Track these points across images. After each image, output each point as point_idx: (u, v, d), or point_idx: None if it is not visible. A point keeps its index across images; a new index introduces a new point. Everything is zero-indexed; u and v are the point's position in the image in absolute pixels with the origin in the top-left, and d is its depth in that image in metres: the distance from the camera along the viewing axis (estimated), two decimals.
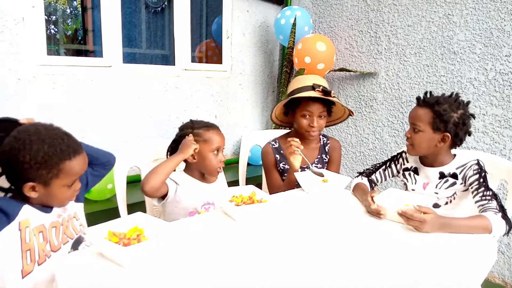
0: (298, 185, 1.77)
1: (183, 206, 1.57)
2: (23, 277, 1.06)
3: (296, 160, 1.72)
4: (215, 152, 1.58)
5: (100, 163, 1.37)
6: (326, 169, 1.95)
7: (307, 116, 1.83)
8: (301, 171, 1.77)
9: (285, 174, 1.88)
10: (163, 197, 1.53)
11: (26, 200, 1.10)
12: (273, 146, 1.95)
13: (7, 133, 1.07)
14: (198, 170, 1.63)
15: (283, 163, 1.92)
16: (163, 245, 1.09)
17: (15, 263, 1.05)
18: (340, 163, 2.05)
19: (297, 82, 1.89)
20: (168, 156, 1.64)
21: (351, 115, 1.93)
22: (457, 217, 1.36)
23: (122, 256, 0.98)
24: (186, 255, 1.07)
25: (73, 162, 1.09)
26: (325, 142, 1.99)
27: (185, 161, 1.59)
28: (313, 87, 1.79)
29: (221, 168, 1.63)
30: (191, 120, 1.65)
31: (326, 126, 2.00)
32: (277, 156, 1.93)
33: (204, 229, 1.27)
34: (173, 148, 1.62)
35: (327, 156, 1.98)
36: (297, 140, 1.70)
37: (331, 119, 1.99)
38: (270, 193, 1.93)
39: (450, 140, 1.47)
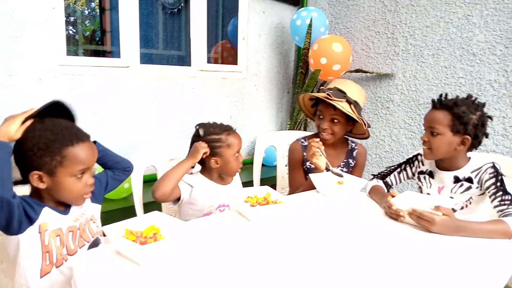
0: None
1: (198, 207, 1.57)
2: (41, 277, 1.08)
3: (320, 161, 1.71)
4: (236, 154, 1.60)
5: (121, 167, 1.37)
6: (350, 173, 1.92)
7: (320, 117, 1.83)
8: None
9: (310, 174, 1.87)
10: (178, 199, 1.54)
11: (44, 198, 1.12)
12: (302, 144, 1.93)
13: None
14: (218, 172, 1.63)
15: (310, 162, 1.88)
16: (179, 244, 1.10)
17: (35, 262, 1.07)
18: (364, 169, 2.01)
19: (330, 84, 1.91)
20: None
21: (366, 127, 1.83)
22: (475, 221, 1.34)
23: (139, 255, 0.99)
24: (201, 255, 1.08)
25: (76, 148, 1.07)
26: (352, 147, 1.96)
27: (202, 163, 1.60)
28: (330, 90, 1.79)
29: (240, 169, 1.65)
30: (202, 124, 1.64)
31: (348, 136, 1.96)
32: (305, 154, 1.90)
33: (219, 229, 1.27)
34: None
35: (354, 161, 1.95)
36: (317, 140, 1.69)
37: (357, 132, 1.93)
38: (291, 190, 1.93)
39: (469, 142, 1.45)
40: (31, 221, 1.05)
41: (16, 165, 1.10)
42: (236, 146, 1.58)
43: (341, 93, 1.78)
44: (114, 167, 1.36)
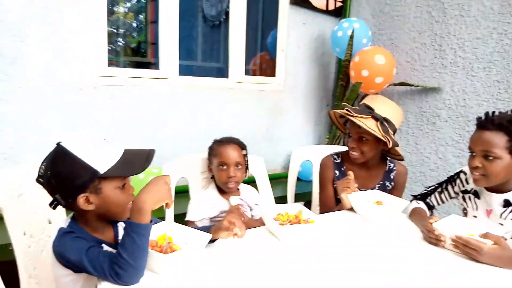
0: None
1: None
2: None
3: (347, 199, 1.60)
4: (222, 166, 1.59)
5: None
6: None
7: (350, 135, 1.70)
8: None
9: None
10: None
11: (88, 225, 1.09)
12: (335, 161, 1.81)
13: None
14: (217, 182, 1.67)
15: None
16: (203, 257, 1.09)
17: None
18: (405, 189, 1.84)
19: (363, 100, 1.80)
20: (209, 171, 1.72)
21: (391, 145, 1.63)
22: None
23: (162, 264, 0.99)
24: (225, 270, 1.04)
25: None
26: (390, 168, 1.79)
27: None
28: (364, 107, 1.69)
29: (232, 184, 1.60)
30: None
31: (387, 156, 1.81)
32: (336, 172, 1.79)
33: (247, 246, 1.22)
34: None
35: (392, 183, 1.78)
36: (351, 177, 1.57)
37: (394, 152, 1.76)
38: (321, 210, 1.83)
39: None
40: None
41: (60, 195, 1.02)
42: (220, 157, 1.59)
43: (368, 109, 1.65)
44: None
